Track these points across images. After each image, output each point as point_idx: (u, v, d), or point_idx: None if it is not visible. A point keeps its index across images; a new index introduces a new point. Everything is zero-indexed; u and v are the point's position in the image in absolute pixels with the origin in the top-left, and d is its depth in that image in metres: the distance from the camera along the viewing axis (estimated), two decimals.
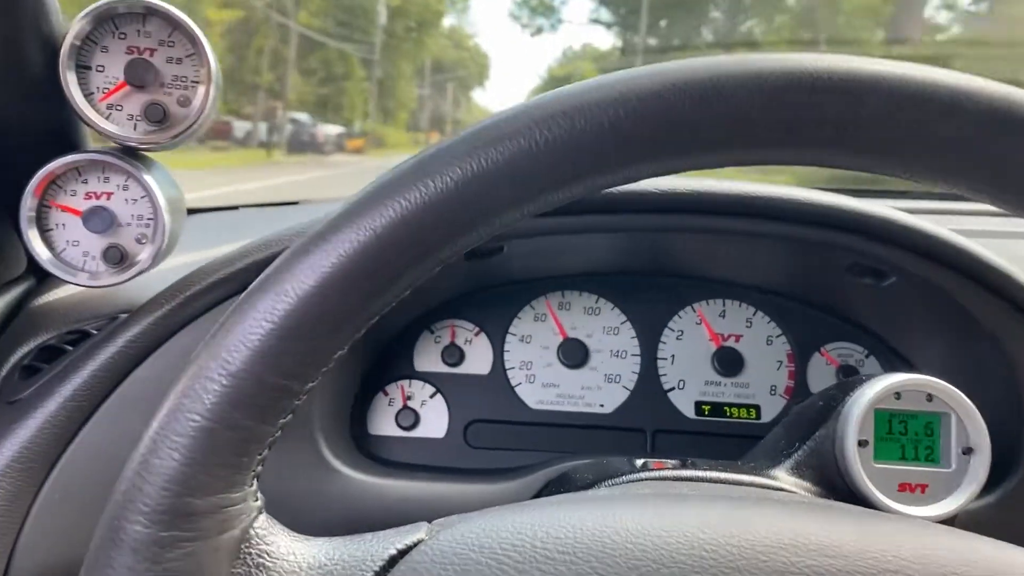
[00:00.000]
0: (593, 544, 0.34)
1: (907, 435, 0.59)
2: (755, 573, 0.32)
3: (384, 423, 0.83)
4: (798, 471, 0.60)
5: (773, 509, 0.39)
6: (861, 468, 0.57)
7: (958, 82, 0.34)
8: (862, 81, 0.34)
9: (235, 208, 1.21)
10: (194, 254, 0.85)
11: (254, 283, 0.36)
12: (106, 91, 0.61)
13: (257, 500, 0.37)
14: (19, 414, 0.65)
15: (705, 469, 0.59)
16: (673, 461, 0.62)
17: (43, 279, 0.80)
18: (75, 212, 0.63)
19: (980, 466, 0.58)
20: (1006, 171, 0.35)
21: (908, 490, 0.58)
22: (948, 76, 0.34)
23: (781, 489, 0.57)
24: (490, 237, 0.38)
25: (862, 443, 0.58)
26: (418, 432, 0.83)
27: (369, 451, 0.81)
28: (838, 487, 0.58)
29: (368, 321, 0.37)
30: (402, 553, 0.36)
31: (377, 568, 0.35)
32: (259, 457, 0.36)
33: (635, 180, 0.37)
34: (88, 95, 0.61)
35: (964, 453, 0.58)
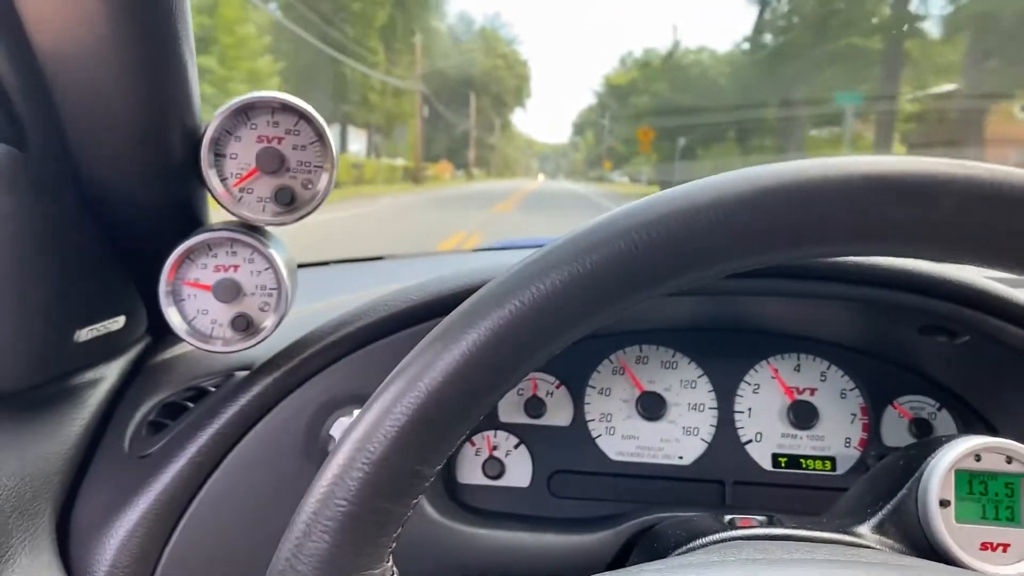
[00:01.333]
0: None
1: (987, 495, 0.61)
2: None
3: (472, 472, 0.87)
4: (881, 529, 0.63)
5: (870, 571, 0.42)
6: (944, 528, 0.60)
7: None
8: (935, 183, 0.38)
9: (326, 263, 1.27)
10: (295, 308, 0.92)
11: (390, 375, 0.42)
12: (239, 176, 0.67)
13: (394, 573, 0.42)
14: (150, 468, 0.70)
15: (792, 527, 0.62)
16: (760, 518, 0.65)
17: (160, 337, 0.86)
18: (205, 287, 0.69)
19: None
20: None
21: (990, 549, 0.60)
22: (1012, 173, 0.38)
23: (868, 547, 0.60)
24: (594, 328, 0.43)
25: (944, 503, 0.60)
26: (504, 481, 0.87)
27: (459, 499, 0.86)
28: (920, 545, 0.61)
29: (489, 407, 0.42)
30: None
31: None
32: (395, 535, 0.41)
33: (724, 275, 0.42)
34: (223, 180, 0.67)
35: None
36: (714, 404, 0.88)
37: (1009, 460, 0.61)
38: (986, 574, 0.58)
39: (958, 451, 0.61)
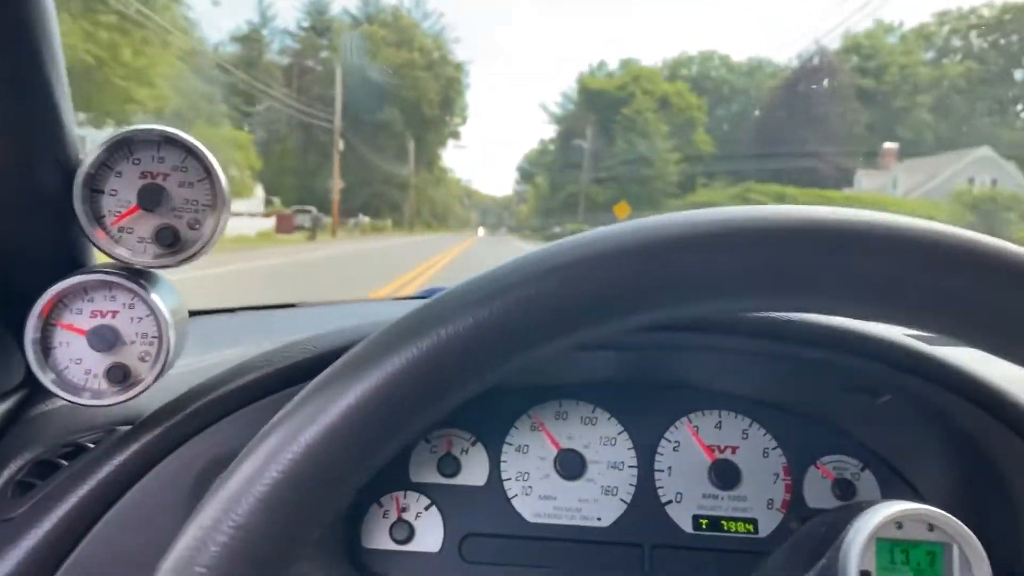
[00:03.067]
0: None
1: (909, 564, 0.59)
2: None
3: (378, 536, 0.82)
4: None
5: None
6: None
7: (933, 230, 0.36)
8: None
9: (232, 311, 1.21)
10: (192, 359, 0.86)
11: (262, 430, 0.37)
12: (118, 214, 0.62)
13: None
14: (13, 533, 0.64)
15: None
16: None
17: (37, 389, 0.79)
18: (80, 332, 0.64)
19: None
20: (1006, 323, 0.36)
21: None
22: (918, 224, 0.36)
23: None
24: (488, 384, 0.39)
25: (864, 574, 0.58)
26: (413, 546, 0.82)
27: (364, 565, 0.80)
28: None
29: (378, 465, 0.38)
30: None
31: None
32: None
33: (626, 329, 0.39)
34: (99, 218, 0.62)
35: None
36: (634, 462, 0.85)
37: (931, 528, 0.59)
38: None
39: (879, 519, 0.58)
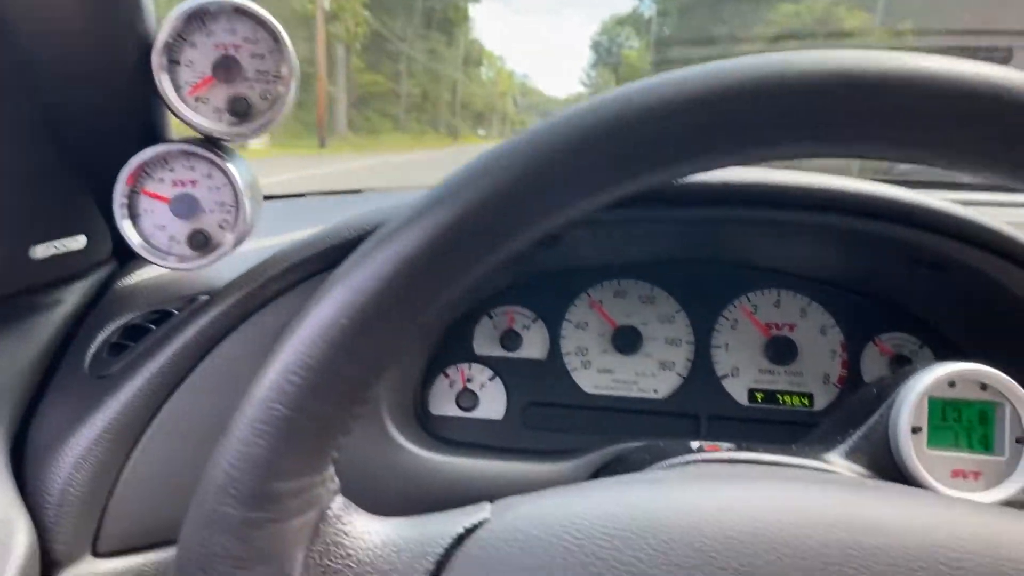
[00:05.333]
0: (649, 522, 0.36)
1: (961, 423, 0.60)
2: (808, 550, 0.34)
3: (445, 404, 0.86)
4: (851, 456, 0.61)
5: (827, 488, 0.41)
6: (914, 453, 0.58)
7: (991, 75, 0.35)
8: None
9: (302, 195, 1.25)
10: (266, 240, 0.89)
11: (331, 277, 0.39)
12: (194, 85, 0.64)
13: (334, 483, 0.40)
14: (108, 388, 0.69)
15: (759, 453, 0.60)
16: (728, 444, 0.64)
17: (125, 262, 0.84)
18: (163, 199, 0.67)
19: None
20: None
21: (962, 476, 0.59)
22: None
23: (835, 472, 0.59)
24: (555, 228, 0.40)
25: (916, 430, 0.59)
26: (478, 413, 0.86)
27: (431, 430, 0.84)
28: (891, 472, 0.60)
29: (435, 310, 0.40)
30: (468, 531, 0.39)
31: (446, 545, 0.38)
32: (335, 442, 0.39)
33: (688, 175, 0.39)
34: (177, 88, 0.64)
35: (1018, 442, 0.59)
36: (691, 339, 0.87)
37: (984, 387, 0.60)
38: (948, 495, 0.56)
39: (932, 377, 0.59)
